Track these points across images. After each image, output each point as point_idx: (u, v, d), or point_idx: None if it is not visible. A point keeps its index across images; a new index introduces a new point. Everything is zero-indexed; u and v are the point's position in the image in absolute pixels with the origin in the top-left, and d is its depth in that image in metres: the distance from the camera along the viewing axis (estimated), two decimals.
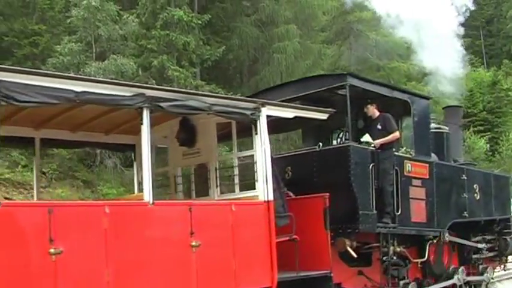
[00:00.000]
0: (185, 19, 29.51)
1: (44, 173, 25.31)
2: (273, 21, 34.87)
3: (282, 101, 9.51)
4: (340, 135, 10.67)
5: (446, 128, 12.57)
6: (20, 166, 24.75)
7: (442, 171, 10.94)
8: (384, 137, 9.75)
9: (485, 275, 12.16)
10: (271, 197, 8.10)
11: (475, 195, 11.82)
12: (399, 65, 38.45)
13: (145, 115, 7.21)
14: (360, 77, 10.03)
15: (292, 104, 8.95)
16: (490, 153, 47.78)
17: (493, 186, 12.41)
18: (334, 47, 42.46)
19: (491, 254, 12.58)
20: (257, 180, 8.10)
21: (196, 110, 7.60)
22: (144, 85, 7.42)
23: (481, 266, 12.24)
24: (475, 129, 48.00)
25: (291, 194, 9.58)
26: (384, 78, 38.50)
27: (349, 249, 9.22)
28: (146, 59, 30.71)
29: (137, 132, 9.65)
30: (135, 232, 7.03)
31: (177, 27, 29.89)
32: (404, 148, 10.59)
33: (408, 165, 10.20)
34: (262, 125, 8.17)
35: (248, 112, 8.01)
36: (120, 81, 7.31)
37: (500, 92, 52.65)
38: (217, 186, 8.65)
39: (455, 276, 11.31)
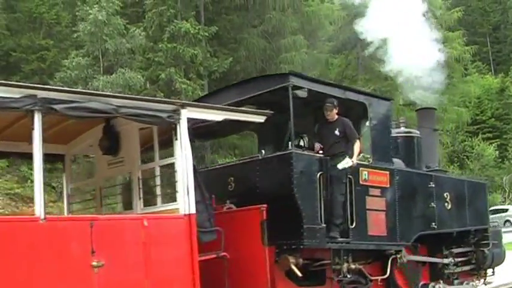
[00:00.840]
0: (192, 32, 28.48)
1: (53, 188, 24.50)
2: (280, 32, 33.62)
3: (228, 105, 8.34)
4: (300, 142, 9.42)
5: (417, 132, 11.20)
6: (29, 181, 23.89)
7: (406, 179, 9.46)
8: (340, 143, 8.51)
9: None
10: (193, 210, 6.85)
11: (446, 204, 10.33)
12: None
13: (37, 119, 6.02)
14: (305, 76, 8.68)
15: (220, 106, 7.71)
16: (500, 160, 45.85)
17: (467, 194, 10.87)
18: (341, 56, 41.10)
19: (467, 268, 11.16)
20: (178, 191, 6.90)
21: (99, 113, 6.35)
22: (36, 85, 6.27)
23: (456, 281, 10.80)
24: (484, 136, 46.11)
25: (233, 206, 8.36)
26: (391, 87, 37.04)
27: (293, 267, 7.89)
28: (154, 72, 29.71)
29: (67, 141, 8.63)
30: (22, 251, 5.85)
31: (184, 39, 28.82)
32: (362, 154, 9.28)
33: (364, 173, 8.78)
34: (183, 129, 6.89)
35: (164, 115, 6.75)
36: (6, 82, 6.21)
37: (509, 99, 50.60)
38: (140, 198, 7.44)
39: None
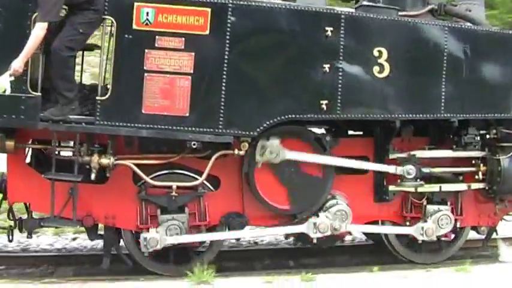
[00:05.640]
0: None
1: None
2: None
3: None
4: None
5: None
6: None
7: (255, 21, 5.29)
8: None
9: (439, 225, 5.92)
10: None
11: (374, 68, 5.45)
12: None
13: None
14: None
15: None
16: None
17: (449, 53, 5.54)
18: None
19: (462, 187, 6.02)
20: None
21: None
22: None
23: (430, 208, 6.04)
24: None
25: None
26: None
27: None
28: None
29: None
30: None
31: None
32: None
33: (145, 12, 5.17)
34: None
35: None
36: None
37: None
38: None
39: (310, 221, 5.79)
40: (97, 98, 5.20)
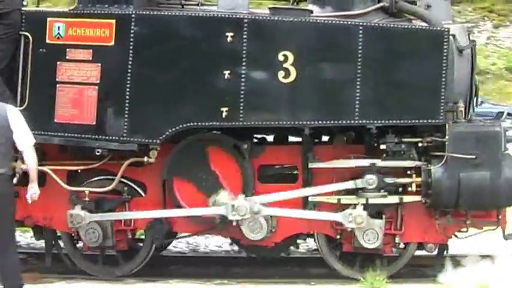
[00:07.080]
0: None
1: None
2: None
3: None
4: None
5: None
6: None
7: (156, 29, 5.42)
8: None
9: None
10: None
11: (280, 73, 5.20)
12: None
13: None
14: None
15: None
16: None
17: (364, 55, 5.05)
18: None
19: (392, 200, 5.42)
20: None
21: None
22: None
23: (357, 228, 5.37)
24: None
25: None
26: None
27: None
28: None
29: None
30: None
31: None
32: None
33: (57, 26, 5.51)
34: None
35: None
36: None
37: None
38: None
39: None
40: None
